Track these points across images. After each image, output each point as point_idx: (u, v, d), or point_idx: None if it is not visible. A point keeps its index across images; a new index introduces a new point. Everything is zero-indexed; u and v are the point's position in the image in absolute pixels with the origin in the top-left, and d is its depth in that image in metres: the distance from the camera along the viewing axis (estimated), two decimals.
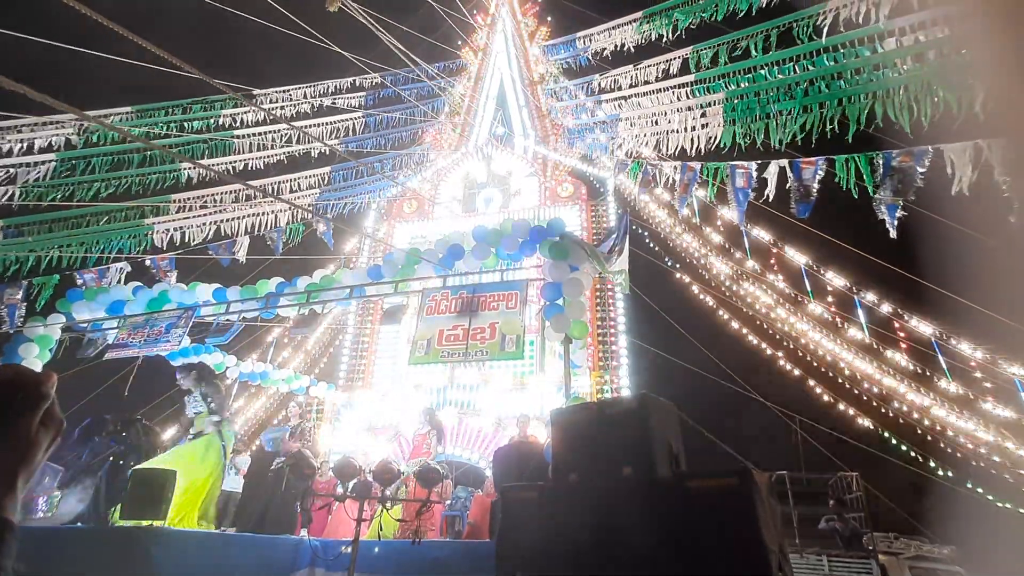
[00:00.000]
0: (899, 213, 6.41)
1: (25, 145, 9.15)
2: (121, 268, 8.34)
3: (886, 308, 10.15)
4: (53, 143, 9.28)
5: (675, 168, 9.14)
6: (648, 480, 3.62)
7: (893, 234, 6.37)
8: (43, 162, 8.96)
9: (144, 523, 4.37)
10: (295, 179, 11.63)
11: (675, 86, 9.75)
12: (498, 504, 4.73)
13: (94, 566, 4.03)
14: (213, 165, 10.25)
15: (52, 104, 2.68)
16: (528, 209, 12.01)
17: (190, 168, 9.52)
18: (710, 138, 8.98)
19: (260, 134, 10.85)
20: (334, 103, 12.05)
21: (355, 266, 10.26)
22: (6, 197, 8.81)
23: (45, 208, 8.89)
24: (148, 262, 8.22)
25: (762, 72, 8.45)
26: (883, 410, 11.24)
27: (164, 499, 4.45)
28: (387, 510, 4.84)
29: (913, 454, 11.56)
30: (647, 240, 13.75)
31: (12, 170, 8.84)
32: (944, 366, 9.69)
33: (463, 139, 14.10)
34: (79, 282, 8.04)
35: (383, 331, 10.89)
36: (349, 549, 4.44)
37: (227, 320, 7.21)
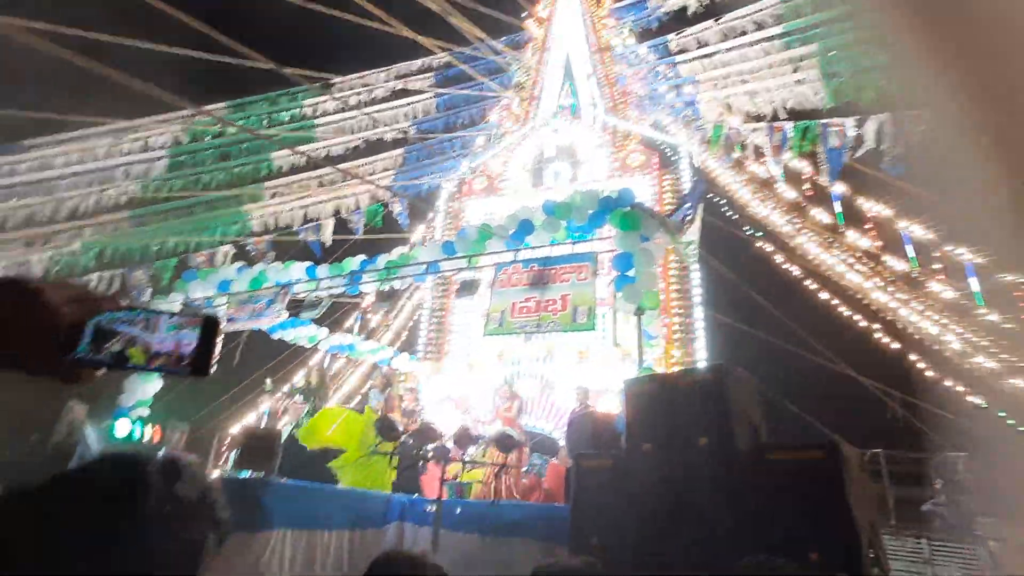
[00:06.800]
0: None
1: (142, 143, 10.30)
2: (227, 251, 9.27)
3: (1007, 276, 9.05)
4: (164, 141, 10.36)
5: (760, 130, 8.60)
6: (725, 451, 3.58)
7: None
8: (158, 158, 10.06)
9: (257, 475, 4.96)
10: (371, 163, 12.18)
11: (762, 39, 9.07)
12: (572, 471, 4.86)
13: None
14: (301, 151, 10.98)
15: (173, 102, 3.02)
16: (597, 181, 11.79)
17: (280, 157, 10.29)
18: (815, 93, 8.29)
19: (339, 121, 11.45)
20: (406, 85, 12.40)
21: (430, 243, 10.65)
22: (131, 192, 10.00)
23: (163, 200, 10.02)
24: (248, 245, 9.08)
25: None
26: (997, 386, 10.13)
27: (274, 455, 5.01)
28: (467, 471, 5.14)
29: None
30: (724, 208, 13.07)
31: (134, 167, 10.01)
32: None
33: (530, 113, 14.01)
34: (193, 264, 9.05)
35: (458, 304, 11.25)
36: (434, 508, 4.78)
37: (317, 296, 7.84)
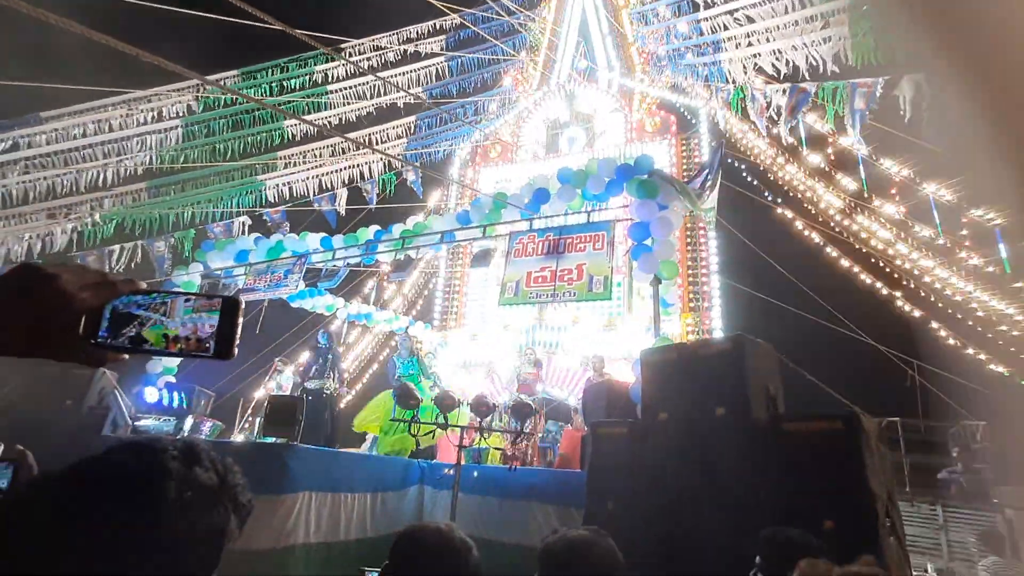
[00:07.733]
0: None
1: (155, 114, 10.26)
2: (243, 221, 9.33)
3: None
4: (177, 111, 10.31)
5: (784, 91, 8.26)
6: (742, 421, 3.58)
7: None
8: (172, 128, 10.04)
9: (281, 440, 5.13)
10: (383, 130, 12.01)
11: None
12: (588, 438, 4.93)
13: (244, 471, 4.83)
14: (311, 121, 10.87)
15: (179, 71, 2.98)
16: (614, 147, 11.54)
17: (293, 125, 10.21)
18: (836, 54, 7.92)
19: (351, 87, 11.26)
20: (416, 49, 12.09)
21: (444, 212, 10.60)
22: (147, 162, 10.03)
23: (178, 170, 10.05)
24: (264, 215, 9.12)
25: None
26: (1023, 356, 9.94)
27: (296, 421, 5.15)
28: (484, 439, 5.25)
29: None
30: (744, 173, 12.72)
31: (148, 137, 10.01)
32: None
33: (544, 77, 13.62)
34: (210, 235, 9.13)
35: (473, 274, 11.27)
36: (453, 471, 4.91)
37: (334, 266, 7.90)
